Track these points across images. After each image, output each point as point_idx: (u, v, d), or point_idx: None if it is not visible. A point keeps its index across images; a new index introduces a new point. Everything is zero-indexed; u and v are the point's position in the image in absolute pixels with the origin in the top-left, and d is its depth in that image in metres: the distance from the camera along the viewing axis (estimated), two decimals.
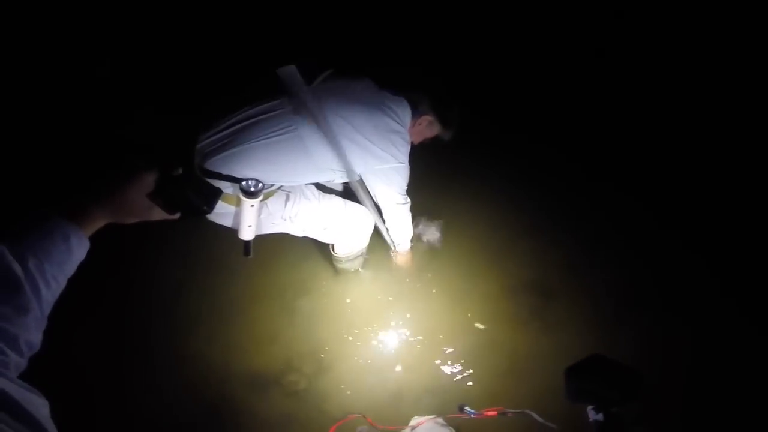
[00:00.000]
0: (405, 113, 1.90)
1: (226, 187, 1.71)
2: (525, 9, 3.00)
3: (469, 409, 1.81)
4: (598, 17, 2.96)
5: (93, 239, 0.78)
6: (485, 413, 1.79)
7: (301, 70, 1.69)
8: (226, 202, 1.75)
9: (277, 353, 2.14)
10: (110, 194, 0.79)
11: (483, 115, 2.62)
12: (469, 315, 2.25)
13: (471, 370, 2.11)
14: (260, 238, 1.83)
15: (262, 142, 1.71)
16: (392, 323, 2.26)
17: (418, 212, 2.44)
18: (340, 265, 2.28)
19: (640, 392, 1.01)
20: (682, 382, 1.98)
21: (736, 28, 2.79)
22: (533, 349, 2.14)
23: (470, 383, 2.08)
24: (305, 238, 2.07)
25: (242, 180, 1.66)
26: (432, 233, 2.39)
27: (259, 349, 2.15)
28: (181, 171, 0.87)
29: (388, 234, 2.14)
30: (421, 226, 2.37)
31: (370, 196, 1.96)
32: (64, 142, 2.45)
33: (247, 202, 1.67)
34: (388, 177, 1.86)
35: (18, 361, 0.60)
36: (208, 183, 0.94)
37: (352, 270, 2.32)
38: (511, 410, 1.76)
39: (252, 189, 1.65)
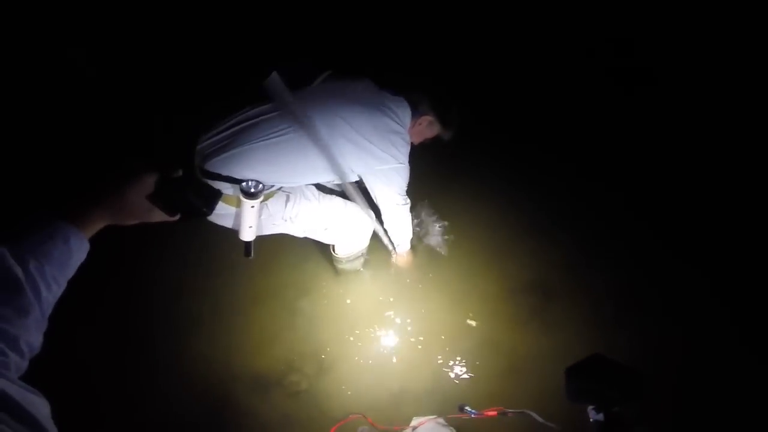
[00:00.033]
0: (405, 114, 1.90)
1: (227, 188, 1.72)
2: (525, 9, 3.00)
3: (469, 409, 1.80)
4: (593, 17, 2.96)
5: (94, 241, 0.79)
6: (485, 413, 1.79)
7: (300, 70, 1.69)
8: (227, 203, 1.75)
9: (279, 354, 2.15)
10: (110, 196, 0.79)
11: (483, 115, 2.62)
12: (471, 315, 2.25)
13: (471, 371, 2.11)
14: (261, 239, 1.84)
15: (261, 143, 1.71)
16: (393, 324, 2.26)
17: (422, 214, 2.46)
18: (340, 266, 2.28)
19: (644, 392, 1.01)
20: (682, 383, 1.98)
21: (736, 27, 2.79)
22: (533, 349, 2.14)
23: (470, 383, 2.08)
24: (306, 238, 2.07)
25: (242, 181, 1.67)
26: (436, 237, 2.40)
27: (261, 350, 2.15)
28: (180, 173, 0.87)
29: (386, 235, 2.15)
30: (425, 228, 2.38)
31: (365, 198, 1.96)
32: (64, 142, 2.45)
33: (247, 203, 1.67)
34: (388, 178, 1.86)
35: (18, 363, 0.60)
36: (208, 185, 0.94)
37: (353, 270, 2.32)
38: (511, 410, 1.76)
39: (252, 190, 1.65)
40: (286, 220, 1.92)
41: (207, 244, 2.28)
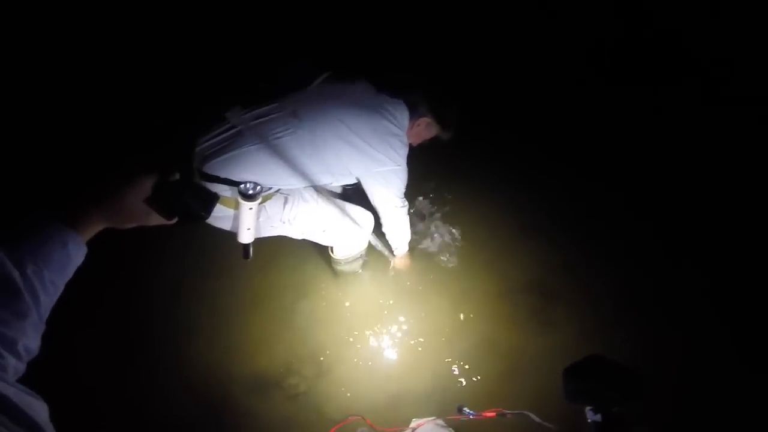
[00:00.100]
0: (403, 116, 1.90)
1: (225, 191, 1.72)
2: (524, 9, 3.01)
3: (468, 410, 1.80)
4: (593, 17, 2.97)
5: (93, 243, 0.78)
6: (484, 414, 1.79)
7: (299, 71, 1.69)
8: (225, 205, 1.75)
9: (277, 356, 2.14)
10: (108, 199, 0.79)
11: (482, 116, 2.62)
12: (472, 316, 2.25)
13: (470, 372, 2.11)
14: (259, 241, 1.83)
15: (260, 145, 1.71)
16: (391, 325, 2.26)
17: (419, 217, 2.47)
18: (339, 268, 2.28)
19: (644, 391, 1.01)
20: (682, 382, 1.98)
21: (736, 27, 2.80)
22: (532, 350, 2.14)
23: (469, 384, 2.08)
24: (304, 240, 2.07)
25: (241, 183, 1.67)
26: (448, 246, 2.41)
27: (259, 352, 2.15)
28: (178, 176, 0.87)
29: (381, 242, 2.15)
30: (435, 237, 2.39)
31: (363, 201, 1.96)
32: (64, 142, 2.45)
33: (245, 205, 1.67)
34: (387, 180, 1.86)
35: (16, 366, 0.61)
36: (206, 188, 0.94)
37: (352, 272, 2.32)
38: (510, 411, 1.76)
39: (250, 192, 1.65)
40: (284, 222, 1.92)
41: (205, 247, 2.27)
